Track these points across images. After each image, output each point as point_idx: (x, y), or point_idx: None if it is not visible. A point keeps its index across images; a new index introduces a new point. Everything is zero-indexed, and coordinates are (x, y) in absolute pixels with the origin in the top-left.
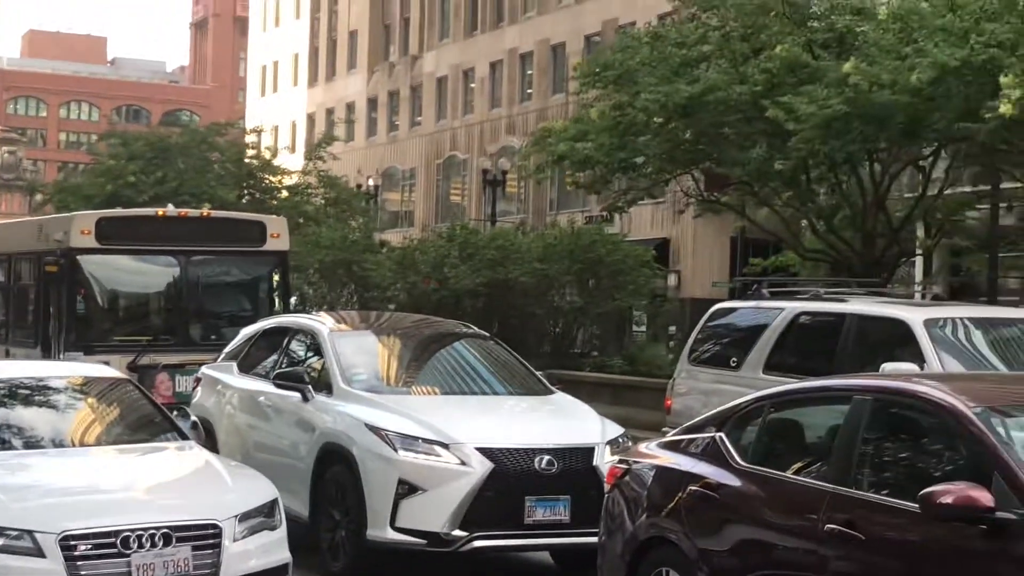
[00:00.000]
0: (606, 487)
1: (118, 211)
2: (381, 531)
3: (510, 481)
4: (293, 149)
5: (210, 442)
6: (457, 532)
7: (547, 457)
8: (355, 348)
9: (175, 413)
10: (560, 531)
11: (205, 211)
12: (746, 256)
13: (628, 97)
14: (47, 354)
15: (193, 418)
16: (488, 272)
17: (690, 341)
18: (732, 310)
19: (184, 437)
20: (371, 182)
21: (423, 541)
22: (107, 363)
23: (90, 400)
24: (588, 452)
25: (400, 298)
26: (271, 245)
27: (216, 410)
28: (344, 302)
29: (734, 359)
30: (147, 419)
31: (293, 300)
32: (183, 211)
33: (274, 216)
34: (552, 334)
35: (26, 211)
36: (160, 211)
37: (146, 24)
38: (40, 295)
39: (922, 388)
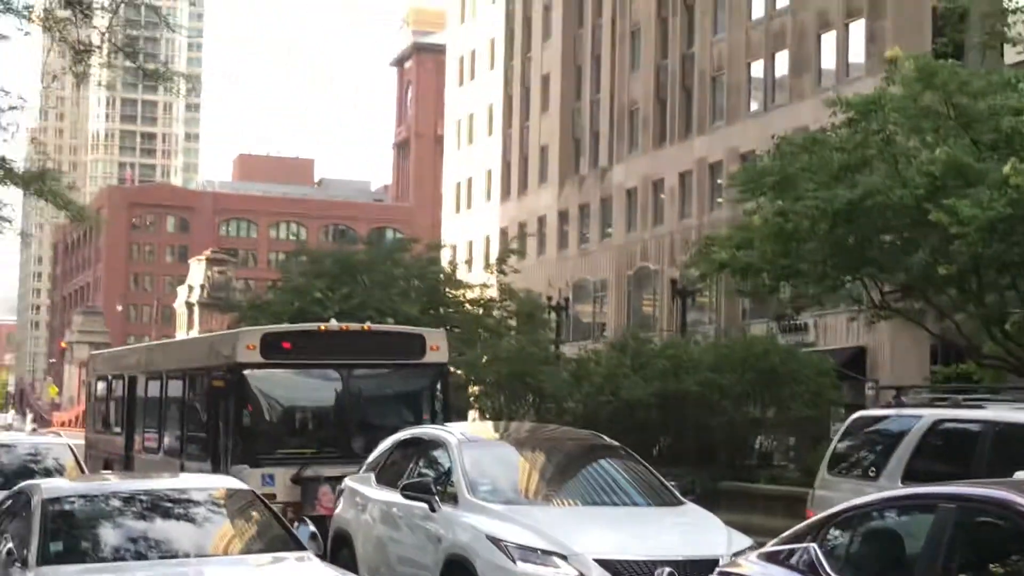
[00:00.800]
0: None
1: (282, 326)
2: None
3: None
4: (487, 263)
5: (349, 552)
6: None
7: (668, 569)
8: (482, 459)
9: (296, 525)
10: None
11: (366, 325)
12: (948, 362)
13: (789, 203)
14: (216, 467)
15: (311, 529)
16: (660, 382)
17: (830, 451)
18: (872, 419)
19: (302, 548)
20: (562, 295)
21: None
22: (272, 476)
23: (209, 511)
24: (711, 564)
25: (576, 409)
26: (431, 357)
27: (355, 521)
28: (522, 414)
29: (873, 468)
30: (267, 529)
31: (472, 414)
32: (344, 325)
33: (434, 329)
34: (726, 445)
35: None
36: (322, 326)
37: (352, 145)
38: (210, 409)
39: (1005, 495)
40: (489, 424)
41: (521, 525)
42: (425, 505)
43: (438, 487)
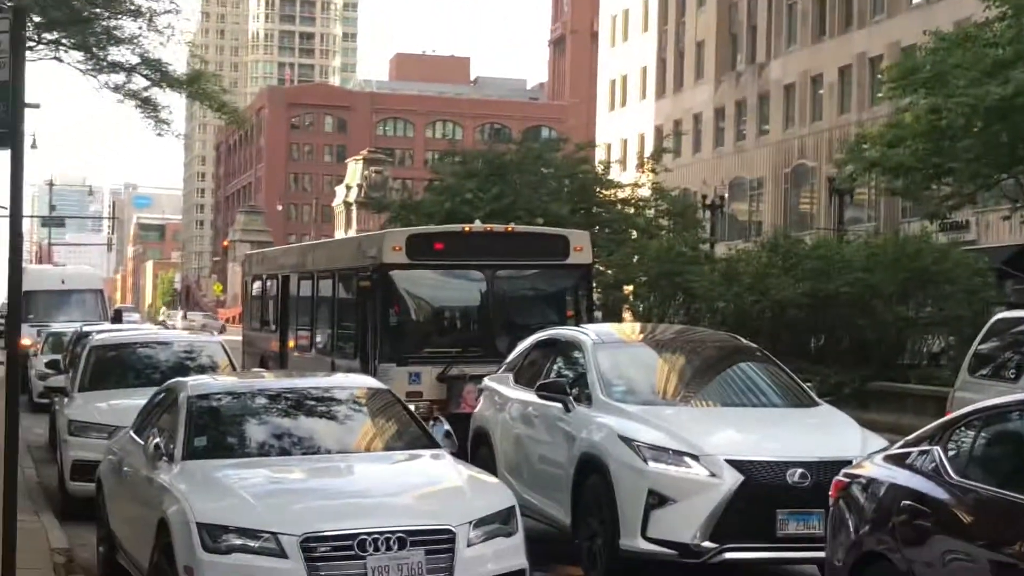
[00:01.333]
0: (830, 499)
1: (427, 228)
2: (633, 541)
3: (761, 494)
4: (640, 162)
5: (488, 450)
6: (707, 544)
7: (800, 470)
8: (616, 360)
9: (431, 424)
10: (813, 545)
11: (509, 227)
12: None
13: (942, 100)
14: (364, 366)
15: (446, 427)
16: (810, 283)
17: (970, 354)
18: (1015, 320)
19: (437, 446)
20: (717, 193)
21: (674, 552)
22: (418, 374)
23: (350, 410)
24: (844, 466)
25: (726, 309)
26: (574, 259)
27: (493, 420)
28: (672, 314)
29: (1013, 370)
30: (404, 428)
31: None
32: (488, 226)
33: (578, 230)
34: (878, 345)
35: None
36: (466, 227)
37: (507, 42)
38: (358, 309)
39: None
40: (630, 325)
41: (653, 425)
42: (560, 405)
43: (573, 388)
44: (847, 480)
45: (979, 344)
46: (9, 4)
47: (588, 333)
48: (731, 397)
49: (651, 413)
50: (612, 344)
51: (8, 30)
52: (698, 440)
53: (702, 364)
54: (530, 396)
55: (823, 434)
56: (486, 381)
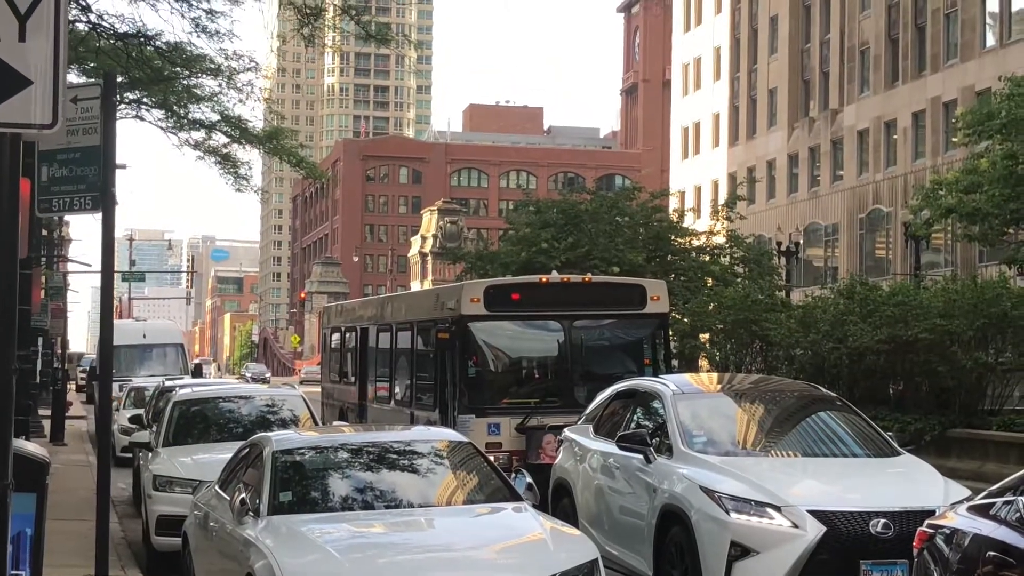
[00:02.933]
0: (914, 550)
1: (505, 279)
2: None
3: (844, 544)
4: (714, 209)
5: (568, 501)
6: None
7: (883, 520)
8: (696, 410)
9: (513, 476)
10: None
11: (587, 277)
12: None
13: (1019, 146)
14: (443, 417)
15: (528, 480)
16: (888, 329)
17: None
18: None
19: (519, 498)
20: (792, 239)
21: None
22: (497, 425)
23: (431, 463)
24: (927, 516)
25: (803, 357)
26: (651, 308)
27: (573, 471)
28: (749, 362)
29: None
30: (486, 480)
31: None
32: (565, 277)
33: (654, 279)
34: (958, 392)
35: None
36: (544, 278)
37: (580, 92)
38: (437, 360)
39: None
40: (708, 375)
41: (735, 476)
42: (641, 456)
43: (653, 438)
44: (931, 531)
45: None
46: (90, 65)
47: (667, 384)
48: (812, 447)
49: (732, 464)
50: (691, 394)
51: (99, 96)
52: (780, 491)
53: (782, 414)
54: (610, 447)
55: (905, 484)
56: (566, 432)
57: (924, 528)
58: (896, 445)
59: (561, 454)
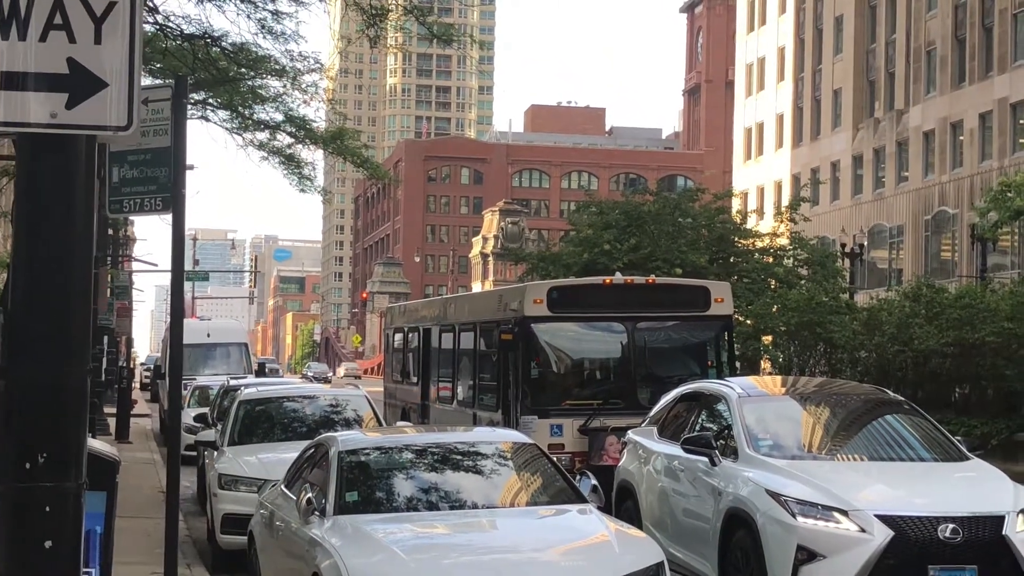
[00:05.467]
0: None
1: (568, 280)
2: None
3: (912, 549)
4: (778, 211)
5: (632, 504)
6: None
7: (952, 526)
8: (761, 413)
9: (577, 478)
10: None
11: (650, 279)
12: None
13: None
14: (506, 418)
15: (593, 482)
16: (954, 332)
17: None
18: None
19: (584, 500)
20: (856, 241)
21: None
22: (559, 426)
23: (496, 464)
24: (997, 521)
25: (868, 359)
26: (715, 310)
27: (638, 473)
28: (812, 364)
29: None
30: (550, 482)
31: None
32: (629, 278)
33: (718, 281)
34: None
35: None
36: (607, 279)
37: (642, 93)
38: (500, 361)
39: None
40: (773, 378)
41: (801, 480)
42: (706, 459)
43: (719, 441)
44: None
45: None
46: (156, 66)
47: (732, 387)
48: (879, 451)
49: (798, 467)
50: (757, 397)
51: (170, 97)
52: (847, 495)
53: (848, 417)
54: (675, 450)
55: (974, 488)
56: (630, 434)
57: None
58: (964, 449)
59: (625, 456)
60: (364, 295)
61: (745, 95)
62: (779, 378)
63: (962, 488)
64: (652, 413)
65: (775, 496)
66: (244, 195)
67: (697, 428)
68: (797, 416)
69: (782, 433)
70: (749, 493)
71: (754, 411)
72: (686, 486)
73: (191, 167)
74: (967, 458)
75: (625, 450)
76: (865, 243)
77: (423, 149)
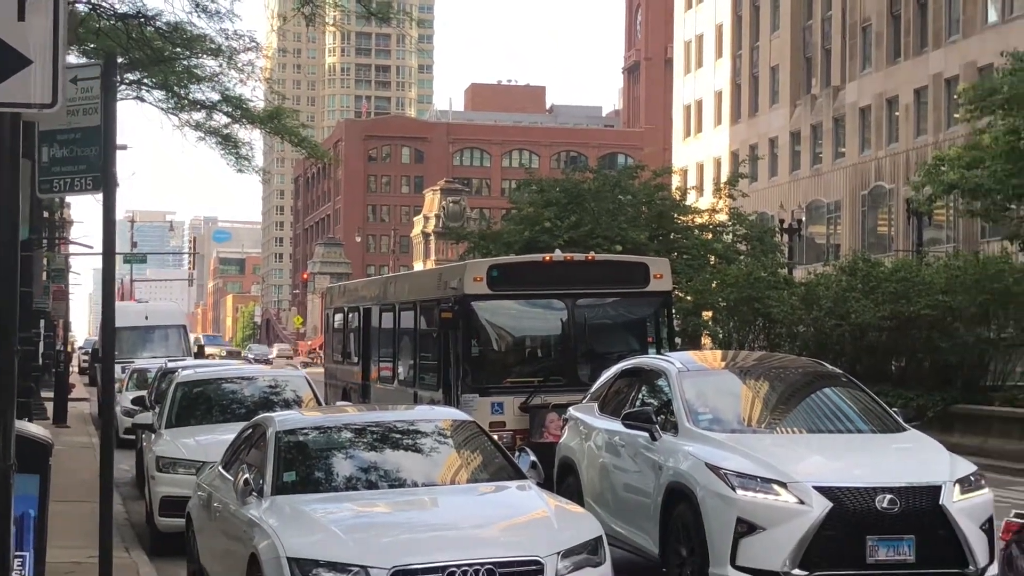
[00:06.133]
0: (1000, 541)
1: (507, 258)
2: (722, 569)
3: (850, 520)
4: (716, 188)
5: (574, 480)
6: (797, 571)
7: (889, 496)
8: (701, 388)
9: (517, 454)
10: (904, 571)
11: (590, 255)
12: None
13: (1020, 121)
14: (447, 396)
15: (532, 458)
16: (890, 306)
17: None
18: None
19: (523, 476)
20: (794, 217)
21: None
22: (500, 404)
23: (435, 442)
24: (934, 491)
25: (806, 334)
26: (654, 286)
27: (579, 450)
28: (751, 339)
29: None
30: (489, 459)
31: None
32: (568, 256)
33: (657, 257)
34: (960, 368)
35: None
36: (547, 257)
37: (582, 70)
38: (440, 340)
39: None
40: (713, 353)
41: (740, 453)
42: (646, 434)
43: (659, 416)
44: (1021, 522)
45: None
46: (90, 46)
47: (673, 361)
48: (817, 423)
49: (738, 441)
50: (697, 372)
51: (99, 76)
52: (786, 467)
53: (787, 390)
54: (616, 425)
55: (911, 459)
56: (571, 411)
57: (1011, 519)
58: (902, 421)
59: (566, 433)
60: (305, 276)
61: (684, 72)
62: (719, 352)
63: (899, 459)
64: (593, 389)
65: (715, 469)
66: (182, 177)
67: (638, 403)
68: (737, 390)
69: (722, 407)
70: (689, 467)
71: (694, 385)
72: (627, 461)
73: (124, 147)
74: (904, 429)
75: (566, 427)
76: (803, 218)
77: (363, 129)
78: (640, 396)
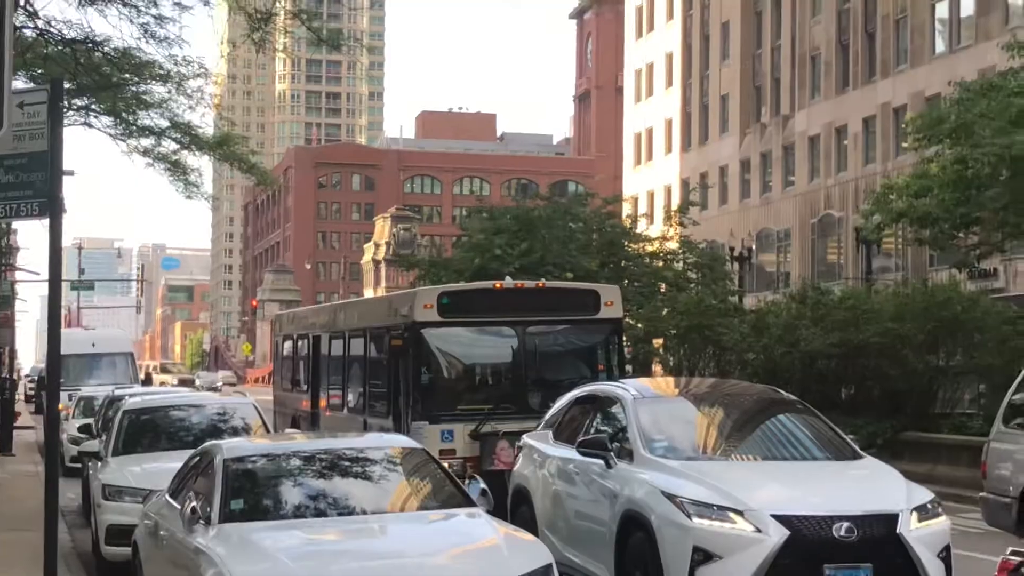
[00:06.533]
0: None
1: (458, 285)
2: None
3: (807, 548)
4: (667, 215)
5: (528, 508)
6: None
7: (847, 524)
8: (657, 415)
9: (467, 482)
10: None
11: (540, 282)
12: None
13: (967, 150)
14: (397, 424)
15: (482, 486)
16: (839, 334)
17: (1004, 403)
18: None
19: (472, 504)
20: (745, 244)
21: None
22: (451, 431)
23: (384, 470)
24: (891, 519)
25: (756, 361)
26: (605, 313)
27: (533, 478)
28: (702, 366)
29: None
30: (439, 487)
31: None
32: (519, 283)
33: (608, 285)
34: (910, 395)
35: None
36: (497, 283)
37: (533, 98)
38: (390, 367)
39: None
40: (667, 380)
41: (696, 481)
42: (601, 461)
43: (614, 443)
44: (1018, 560)
45: (1013, 394)
46: (38, 72)
47: (628, 388)
48: (773, 451)
49: (693, 468)
50: (651, 399)
51: (46, 101)
52: (742, 495)
53: (742, 417)
54: (570, 453)
55: (868, 487)
56: (525, 439)
57: (1008, 557)
58: (857, 448)
59: (520, 461)
60: (254, 303)
61: (634, 100)
62: (673, 379)
63: (856, 486)
64: (547, 417)
65: (671, 497)
66: (131, 203)
67: (592, 431)
68: (692, 417)
69: (677, 434)
70: (645, 495)
71: (649, 412)
72: (582, 489)
73: (71, 173)
74: (860, 456)
75: (520, 455)
76: (753, 246)
77: (313, 155)
78: (595, 423)
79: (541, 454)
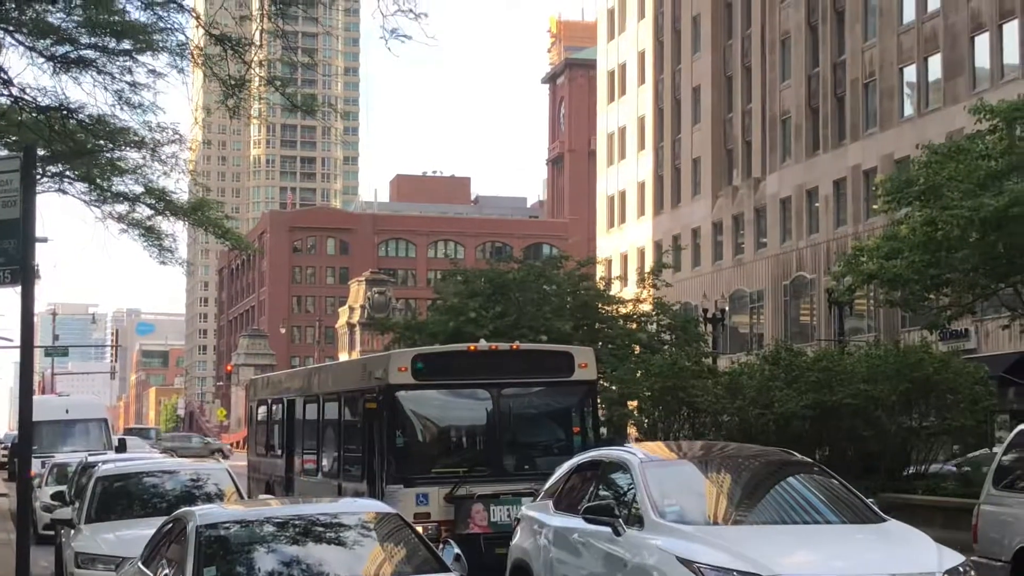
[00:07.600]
0: None
1: (433, 348)
2: None
3: None
4: (641, 278)
5: None
6: None
7: None
8: (668, 479)
9: (440, 547)
10: None
11: (515, 345)
12: None
13: (937, 212)
14: (372, 488)
15: (456, 550)
16: (813, 395)
17: (994, 465)
18: None
19: (447, 570)
20: (718, 306)
21: None
22: (426, 495)
23: (358, 535)
24: None
25: (730, 423)
26: (579, 375)
27: (533, 549)
28: (676, 428)
29: None
30: (413, 552)
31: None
32: (493, 345)
33: (582, 347)
34: (883, 456)
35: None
36: (471, 346)
37: (507, 162)
38: (365, 431)
39: None
40: (673, 443)
41: (713, 546)
42: (608, 529)
43: (622, 510)
44: None
45: (1003, 455)
46: (11, 139)
47: (635, 452)
48: (791, 514)
49: (709, 533)
50: (660, 463)
51: (19, 168)
52: (764, 559)
53: (756, 481)
54: (574, 522)
55: (896, 549)
56: (524, 510)
57: None
58: (879, 511)
59: (519, 533)
60: (229, 368)
61: (607, 164)
62: (679, 443)
63: (884, 549)
64: (547, 486)
65: (687, 563)
66: (105, 269)
67: (596, 497)
68: (704, 481)
69: (689, 499)
70: (657, 561)
71: (658, 477)
72: (587, 559)
73: (45, 240)
74: (884, 519)
75: (518, 527)
76: (726, 308)
77: (288, 220)
78: (600, 490)
79: (542, 524)
